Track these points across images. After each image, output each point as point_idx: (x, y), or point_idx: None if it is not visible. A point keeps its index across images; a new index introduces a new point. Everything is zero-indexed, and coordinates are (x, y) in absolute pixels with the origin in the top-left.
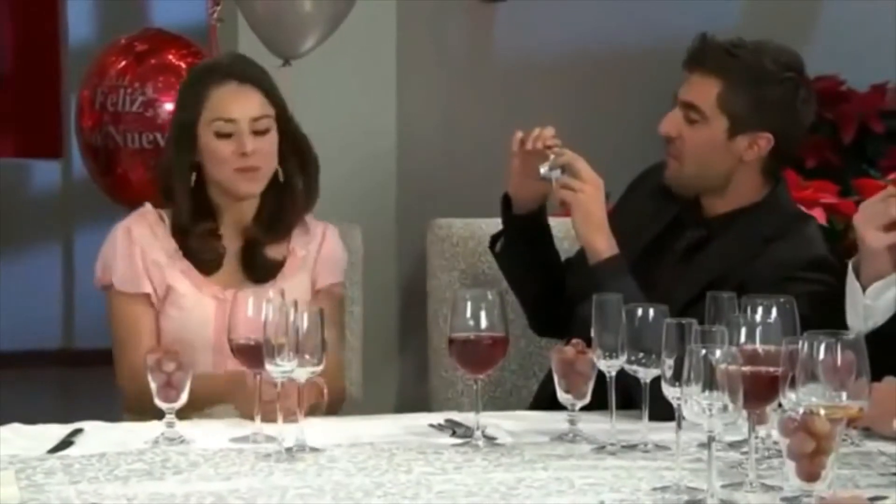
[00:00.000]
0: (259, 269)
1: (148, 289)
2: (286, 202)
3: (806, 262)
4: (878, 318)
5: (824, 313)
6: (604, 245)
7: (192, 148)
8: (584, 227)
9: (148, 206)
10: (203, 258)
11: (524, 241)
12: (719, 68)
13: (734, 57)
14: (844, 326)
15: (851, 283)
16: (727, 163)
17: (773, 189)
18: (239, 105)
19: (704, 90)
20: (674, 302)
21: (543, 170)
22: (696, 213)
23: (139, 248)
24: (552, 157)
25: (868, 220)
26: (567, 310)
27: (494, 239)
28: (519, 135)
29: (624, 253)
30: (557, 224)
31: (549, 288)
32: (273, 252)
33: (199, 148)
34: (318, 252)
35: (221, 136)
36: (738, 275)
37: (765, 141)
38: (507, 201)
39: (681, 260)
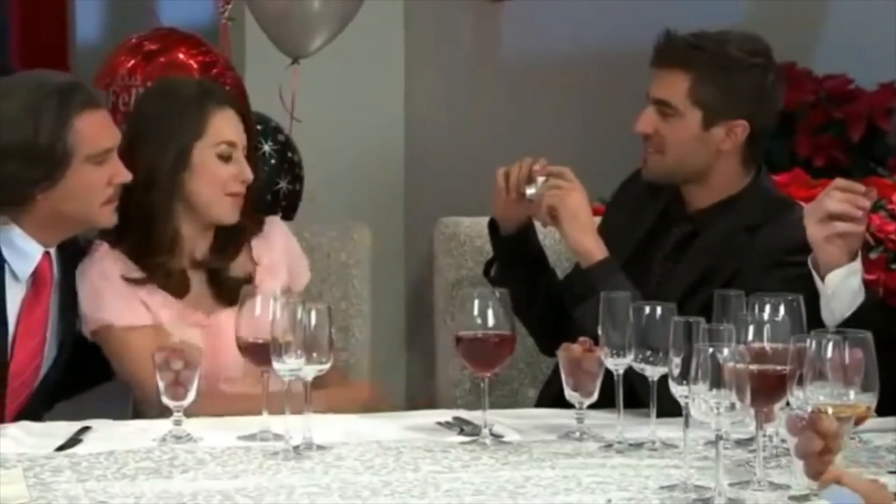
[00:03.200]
0: (229, 292)
1: (147, 320)
2: (241, 229)
3: (793, 247)
4: (844, 310)
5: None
6: (594, 247)
7: (185, 169)
8: (572, 229)
9: (105, 245)
10: (172, 282)
11: (517, 263)
12: (686, 62)
13: (699, 49)
14: None
15: (815, 277)
16: (706, 154)
17: (753, 177)
18: (237, 132)
19: (674, 85)
20: (666, 299)
21: (531, 191)
22: (681, 208)
23: (124, 284)
24: (540, 179)
25: (809, 214)
26: (571, 325)
27: (488, 265)
28: (502, 170)
29: (614, 255)
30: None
31: (550, 307)
32: (237, 268)
33: (190, 169)
34: (284, 255)
35: (223, 158)
36: (727, 266)
37: (741, 128)
38: (493, 226)
39: (670, 257)
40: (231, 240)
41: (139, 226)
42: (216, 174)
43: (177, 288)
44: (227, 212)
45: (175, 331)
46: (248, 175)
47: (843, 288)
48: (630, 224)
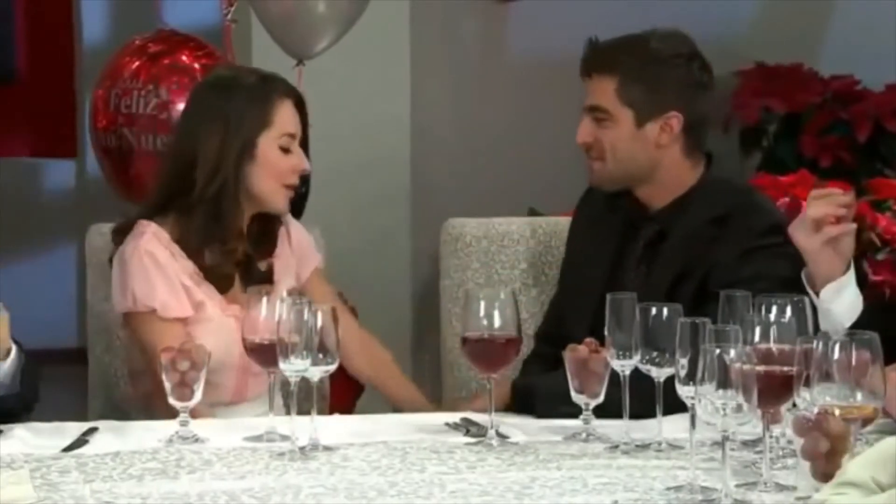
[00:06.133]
0: (257, 283)
1: (189, 311)
2: (276, 222)
3: (764, 230)
4: (845, 321)
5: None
6: None
7: (250, 160)
8: None
9: (153, 225)
10: (220, 275)
11: None
12: (610, 65)
13: (621, 51)
14: None
15: (809, 292)
16: (646, 152)
17: (705, 170)
18: (297, 123)
19: (603, 90)
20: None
21: None
22: (643, 211)
23: (170, 270)
24: None
25: (796, 230)
26: None
27: None
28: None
29: (588, 279)
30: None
31: None
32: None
33: (254, 160)
34: (290, 246)
35: (283, 150)
36: (702, 261)
37: (675, 120)
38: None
39: (642, 260)
40: (267, 232)
41: (206, 215)
42: (277, 165)
43: (222, 283)
44: (283, 203)
45: (218, 321)
46: (307, 165)
47: (839, 300)
48: (596, 243)
